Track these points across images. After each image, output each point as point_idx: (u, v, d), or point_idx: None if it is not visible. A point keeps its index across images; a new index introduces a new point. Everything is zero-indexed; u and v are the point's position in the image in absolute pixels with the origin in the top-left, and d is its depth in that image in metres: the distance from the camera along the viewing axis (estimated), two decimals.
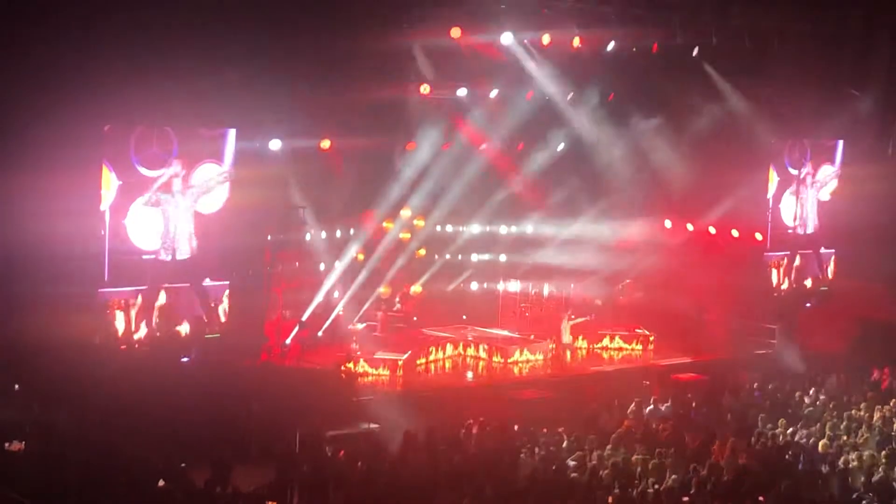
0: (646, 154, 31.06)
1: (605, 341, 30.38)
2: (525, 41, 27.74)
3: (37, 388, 20.65)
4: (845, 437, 21.25)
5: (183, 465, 17.48)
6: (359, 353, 26.58)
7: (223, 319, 24.16)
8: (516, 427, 21.49)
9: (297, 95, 24.21)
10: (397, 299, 29.10)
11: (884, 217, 30.90)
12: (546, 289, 31.72)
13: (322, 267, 28.26)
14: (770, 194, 31.78)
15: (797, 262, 32.31)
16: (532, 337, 29.19)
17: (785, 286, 32.33)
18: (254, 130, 24.47)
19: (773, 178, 31.89)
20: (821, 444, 20.55)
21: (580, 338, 30.13)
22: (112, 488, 16.87)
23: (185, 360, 23.42)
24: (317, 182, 27.04)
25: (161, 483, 17.01)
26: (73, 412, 19.94)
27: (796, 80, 30.22)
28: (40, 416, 19.69)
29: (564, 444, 20.22)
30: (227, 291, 24.20)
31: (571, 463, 18.97)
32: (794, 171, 31.92)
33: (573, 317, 29.88)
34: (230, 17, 22.39)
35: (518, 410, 23.76)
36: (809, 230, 32.22)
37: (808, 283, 32.61)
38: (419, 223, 30.30)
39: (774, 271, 32.15)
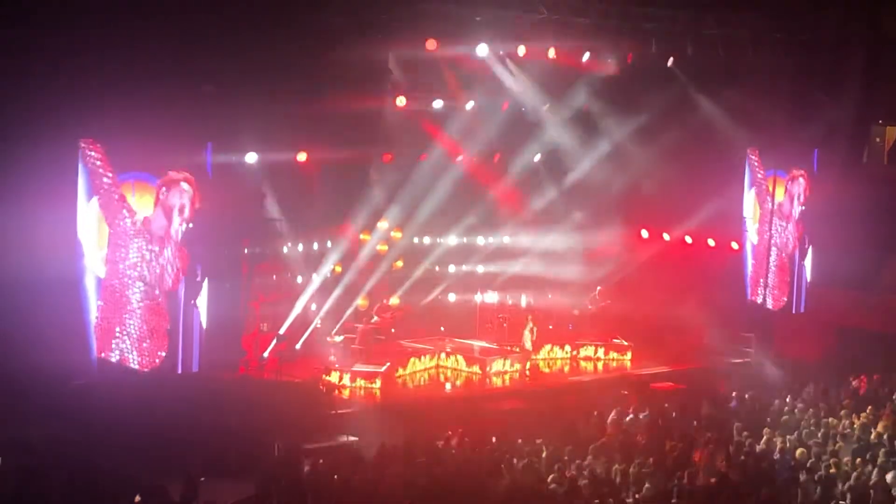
0: (621, 164, 31.15)
1: (583, 351, 30.32)
2: (500, 53, 27.86)
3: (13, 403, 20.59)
4: (824, 445, 21.29)
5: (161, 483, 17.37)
6: (337, 365, 26.54)
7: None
8: (494, 438, 21.46)
9: (273, 108, 24.17)
10: (374, 311, 29.03)
11: (859, 223, 31.00)
12: (523, 299, 31.74)
13: (299, 279, 28.19)
14: (745, 203, 31.92)
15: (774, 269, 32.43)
16: (518, 350, 29.10)
17: (761, 295, 32.41)
18: (230, 143, 24.41)
19: (749, 187, 32.02)
20: (798, 451, 20.58)
21: (558, 347, 30.13)
22: (89, 503, 16.83)
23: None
24: (293, 195, 26.98)
25: (137, 498, 16.93)
26: (51, 427, 19.87)
27: (770, 89, 30.42)
28: (17, 431, 19.61)
29: (544, 455, 20.18)
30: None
31: (550, 474, 18.94)
32: (769, 179, 32.05)
33: (529, 324, 29.85)
34: (206, 31, 22.39)
35: (497, 421, 23.70)
36: (786, 237, 32.38)
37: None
38: (396, 235, 30.25)
39: (751, 280, 32.30)
